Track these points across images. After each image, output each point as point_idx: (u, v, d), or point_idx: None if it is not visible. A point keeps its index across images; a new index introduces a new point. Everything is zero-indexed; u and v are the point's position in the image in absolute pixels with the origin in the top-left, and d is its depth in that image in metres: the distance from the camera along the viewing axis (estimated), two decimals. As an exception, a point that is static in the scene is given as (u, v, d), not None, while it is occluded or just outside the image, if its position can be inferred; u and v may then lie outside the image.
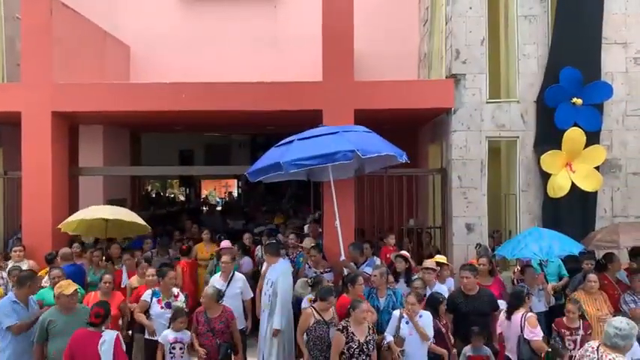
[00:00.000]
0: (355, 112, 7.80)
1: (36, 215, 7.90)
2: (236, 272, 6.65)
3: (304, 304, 5.96)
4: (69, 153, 8.78)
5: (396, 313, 5.48)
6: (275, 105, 8.05)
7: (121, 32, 10.64)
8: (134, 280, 6.79)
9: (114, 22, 10.48)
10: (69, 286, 5.09)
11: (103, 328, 4.72)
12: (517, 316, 5.35)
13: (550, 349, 5.10)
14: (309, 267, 7.02)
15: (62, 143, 8.50)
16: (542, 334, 5.28)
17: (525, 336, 5.19)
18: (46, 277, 6.37)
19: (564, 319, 5.62)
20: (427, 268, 6.40)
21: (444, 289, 6.25)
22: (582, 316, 5.70)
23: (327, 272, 7.03)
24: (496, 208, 8.57)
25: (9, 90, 8.38)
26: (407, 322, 5.32)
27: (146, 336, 5.94)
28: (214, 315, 5.53)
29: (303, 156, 6.24)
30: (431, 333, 5.30)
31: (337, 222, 6.82)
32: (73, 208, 8.48)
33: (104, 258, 7.49)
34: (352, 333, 4.94)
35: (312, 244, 7.46)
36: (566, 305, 5.68)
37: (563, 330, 5.55)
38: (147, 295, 5.99)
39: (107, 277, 6.08)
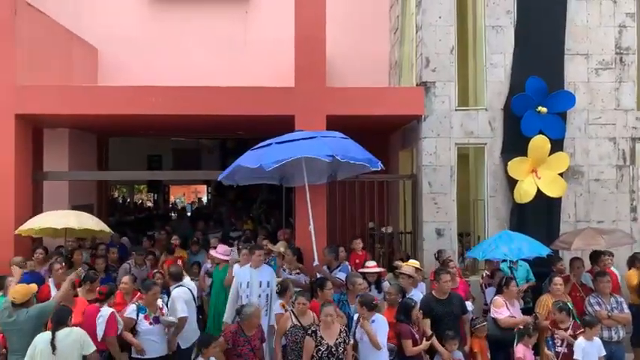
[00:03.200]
0: (327, 118, 7.84)
1: (-3, 221, 7.62)
2: None
3: (277, 309, 5.93)
4: (33, 157, 8.52)
5: (356, 316, 5.54)
6: (246, 110, 8.01)
7: (89, 34, 10.39)
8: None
9: (81, 24, 10.22)
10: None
11: (106, 305, 5.49)
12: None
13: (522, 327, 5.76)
14: (284, 270, 7.00)
15: (26, 147, 8.24)
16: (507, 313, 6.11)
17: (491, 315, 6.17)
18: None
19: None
20: (403, 274, 6.44)
21: (418, 294, 6.31)
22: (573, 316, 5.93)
23: (302, 274, 7.01)
24: (465, 214, 8.74)
25: (-30, 91, 8.07)
26: (361, 327, 5.37)
27: (133, 355, 5.63)
28: (252, 332, 5.30)
29: (281, 157, 6.30)
30: (383, 339, 5.28)
31: (311, 226, 6.83)
32: (37, 213, 8.18)
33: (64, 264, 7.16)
34: (321, 337, 5.00)
35: (285, 247, 7.44)
36: (554, 311, 5.88)
37: (556, 330, 5.79)
38: (132, 311, 5.68)
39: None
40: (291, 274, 6.92)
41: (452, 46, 8.31)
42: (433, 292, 6.06)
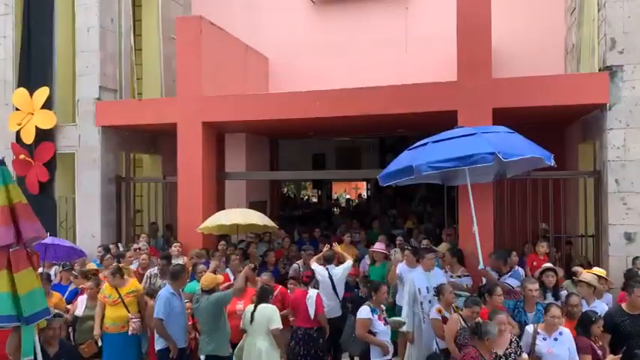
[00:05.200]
0: (494, 112, 7.39)
1: (189, 216, 8.70)
2: None
3: (433, 314, 5.76)
4: (216, 159, 9.54)
5: (529, 328, 5.10)
6: (408, 107, 7.93)
7: (260, 45, 11.28)
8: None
9: (253, 36, 11.15)
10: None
11: (309, 287, 6.25)
12: None
13: None
14: (446, 272, 6.79)
15: (211, 150, 9.26)
16: None
17: None
18: None
19: None
20: (582, 281, 5.80)
21: (603, 306, 5.62)
22: None
23: (464, 277, 6.74)
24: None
25: (167, 104, 9.38)
26: (544, 339, 4.92)
27: (375, 358, 5.44)
28: (489, 356, 4.64)
29: (438, 159, 6.01)
30: (575, 356, 4.77)
31: (475, 228, 6.48)
32: (220, 209, 9.17)
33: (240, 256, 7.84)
34: None
35: (447, 249, 7.22)
36: None
37: None
38: (367, 312, 5.47)
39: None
40: (452, 277, 6.68)
41: (645, 22, 7.19)
42: (623, 306, 5.33)
